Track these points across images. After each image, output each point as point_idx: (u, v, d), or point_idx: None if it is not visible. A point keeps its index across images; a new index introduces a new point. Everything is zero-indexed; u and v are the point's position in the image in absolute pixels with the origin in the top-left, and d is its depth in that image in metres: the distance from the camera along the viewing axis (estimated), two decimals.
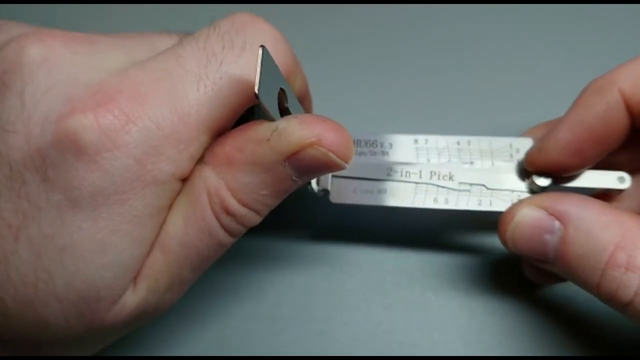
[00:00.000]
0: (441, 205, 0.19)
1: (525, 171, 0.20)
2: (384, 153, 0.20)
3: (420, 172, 0.20)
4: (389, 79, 0.27)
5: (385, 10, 0.29)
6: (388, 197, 0.20)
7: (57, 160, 0.14)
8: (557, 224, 0.17)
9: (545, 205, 0.17)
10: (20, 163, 0.14)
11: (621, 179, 0.19)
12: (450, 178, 0.20)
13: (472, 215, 0.24)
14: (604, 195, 0.20)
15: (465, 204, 0.19)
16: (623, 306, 0.16)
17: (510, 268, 0.23)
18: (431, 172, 0.20)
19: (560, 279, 0.22)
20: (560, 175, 0.19)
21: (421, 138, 0.20)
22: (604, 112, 0.17)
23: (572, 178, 0.19)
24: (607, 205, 0.17)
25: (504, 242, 0.19)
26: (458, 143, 0.20)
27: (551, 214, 0.17)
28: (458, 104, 0.26)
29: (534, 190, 0.19)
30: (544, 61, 0.27)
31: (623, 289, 0.16)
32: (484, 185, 0.20)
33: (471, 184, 0.20)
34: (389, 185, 0.20)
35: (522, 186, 0.20)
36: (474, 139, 0.20)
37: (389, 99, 0.27)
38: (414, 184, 0.20)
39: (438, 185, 0.20)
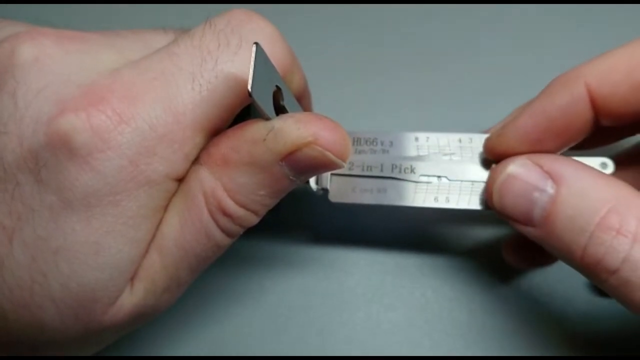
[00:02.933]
0: (442, 204, 0.19)
1: (485, 161, 0.19)
2: (384, 151, 0.20)
3: (382, 165, 0.19)
4: (390, 76, 0.27)
5: (386, 10, 0.29)
6: (388, 196, 0.19)
7: (49, 162, 0.14)
8: (550, 182, 0.16)
9: (541, 162, 0.16)
10: (14, 165, 0.14)
11: (604, 165, 0.19)
12: (412, 171, 0.19)
13: (473, 215, 0.24)
14: None
15: (467, 203, 0.19)
16: (608, 274, 0.15)
17: (510, 269, 0.23)
18: (392, 165, 0.19)
19: (538, 263, 0.22)
20: None
21: (422, 136, 0.20)
22: (568, 103, 0.17)
23: None
24: (602, 172, 0.16)
25: (489, 196, 0.18)
26: (460, 140, 0.20)
27: (546, 172, 0.16)
28: (459, 102, 0.26)
29: None
30: (544, 61, 0.27)
31: (611, 253, 0.15)
32: (446, 177, 0.19)
33: (433, 176, 0.19)
34: (389, 184, 0.19)
35: (485, 177, 0.19)
36: (475, 136, 0.20)
37: (389, 97, 0.27)
38: (414, 183, 0.19)
39: (399, 179, 0.19)
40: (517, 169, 0.17)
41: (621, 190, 0.15)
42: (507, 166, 0.17)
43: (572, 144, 0.18)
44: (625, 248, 0.14)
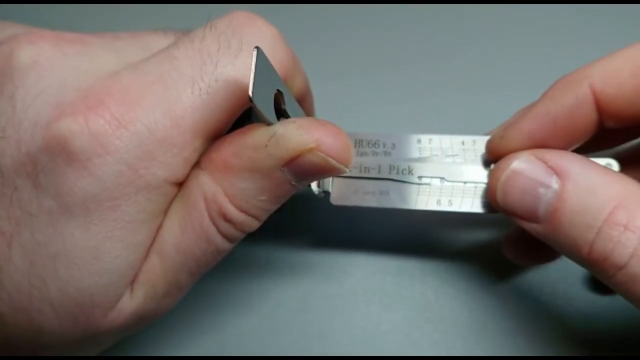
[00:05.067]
0: (444, 207, 0.19)
1: (486, 162, 0.19)
2: (386, 153, 0.20)
3: (380, 166, 0.19)
4: (391, 77, 0.27)
5: (386, 9, 0.29)
6: (390, 198, 0.19)
7: (47, 166, 0.13)
8: (555, 178, 0.16)
9: (546, 157, 0.16)
10: (12, 169, 0.14)
11: (608, 165, 0.18)
12: (410, 172, 0.19)
13: (474, 216, 0.23)
14: None
15: (470, 206, 0.19)
16: (616, 270, 0.15)
17: (510, 268, 0.23)
18: (390, 166, 0.19)
19: (538, 259, 0.22)
20: None
21: (424, 138, 0.20)
22: (572, 105, 0.16)
23: None
24: (608, 168, 0.16)
25: (492, 193, 0.17)
26: (463, 143, 0.20)
27: (550, 167, 0.16)
28: (461, 103, 0.26)
29: None
30: (548, 61, 0.26)
31: (620, 249, 0.14)
32: (443, 178, 0.19)
33: (431, 177, 0.19)
34: (391, 186, 0.19)
35: (482, 178, 0.19)
36: (479, 138, 0.19)
37: (391, 98, 0.27)
38: (417, 186, 0.19)
39: (397, 180, 0.19)
40: (521, 164, 0.16)
41: (628, 186, 0.15)
42: (510, 162, 0.17)
43: (576, 146, 0.18)
44: (633, 244, 0.14)
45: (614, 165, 0.19)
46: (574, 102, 0.16)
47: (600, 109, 0.17)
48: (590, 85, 0.16)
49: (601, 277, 0.15)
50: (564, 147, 0.17)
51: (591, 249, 0.15)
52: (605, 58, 0.17)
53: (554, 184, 0.16)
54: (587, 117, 0.17)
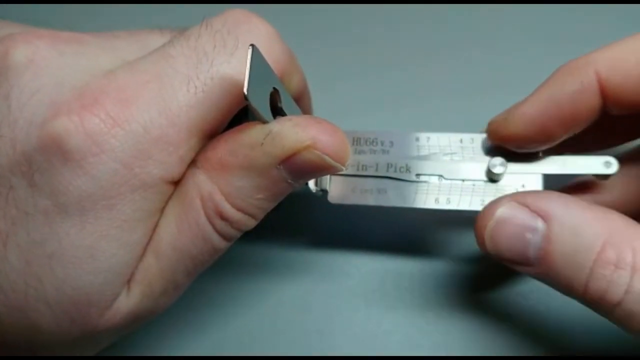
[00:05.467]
0: (443, 205, 0.19)
1: (487, 149, 0.19)
2: (384, 151, 0.20)
3: (377, 164, 0.19)
4: (389, 75, 0.27)
5: (387, 9, 0.29)
6: (388, 197, 0.19)
7: (43, 166, 0.13)
8: (540, 221, 0.16)
9: (528, 202, 0.16)
10: (7, 168, 0.14)
11: (607, 164, 0.18)
12: (407, 170, 0.19)
13: (474, 216, 0.23)
14: (584, 185, 0.20)
15: (468, 204, 0.19)
16: (612, 307, 0.15)
17: (510, 268, 0.22)
18: (388, 164, 0.19)
19: None
20: (520, 150, 0.18)
21: (423, 136, 0.20)
22: (577, 91, 0.17)
23: (529, 157, 0.18)
24: (588, 203, 0.16)
25: (481, 242, 0.17)
26: (461, 141, 0.19)
27: (533, 211, 0.16)
28: (461, 104, 0.26)
29: (493, 179, 0.19)
30: (545, 60, 0.26)
31: (613, 287, 0.15)
32: (441, 176, 0.19)
33: (428, 175, 0.19)
34: (389, 184, 0.19)
35: (480, 175, 0.19)
36: (477, 136, 0.19)
37: (389, 95, 0.26)
38: (415, 184, 0.19)
39: (395, 178, 0.19)
40: (505, 211, 0.16)
41: (613, 222, 0.15)
42: (494, 211, 0.17)
43: (577, 131, 0.18)
44: (625, 280, 0.14)
45: (614, 163, 0.18)
46: (579, 88, 0.16)
47: (605, 95, 0.17)
48: (595, 71, 0.16)
49: (601, 314, 0.16)
50: (564, 132, 0.17)
51: (586, 289, 0.15)
52: (612, 45, 0.17)
53: (540, 227, 0.16)
54: (591, 102, 0.17)
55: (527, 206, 0.16)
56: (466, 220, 0.23)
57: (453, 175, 0.19)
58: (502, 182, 0.19)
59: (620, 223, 0.15)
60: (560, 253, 0.15)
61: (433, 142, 0.20)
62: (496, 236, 0.17)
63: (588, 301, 0.15)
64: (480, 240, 0.17)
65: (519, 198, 0.16)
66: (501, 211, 0.16)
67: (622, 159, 0.19)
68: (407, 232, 0.24)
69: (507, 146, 0.18)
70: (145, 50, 0.16)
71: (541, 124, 0.17)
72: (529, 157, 0.19)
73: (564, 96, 0.17)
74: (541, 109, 0.17)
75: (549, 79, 0.17)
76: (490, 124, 0.18)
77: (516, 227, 0.16)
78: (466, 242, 0.23)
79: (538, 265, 0.16)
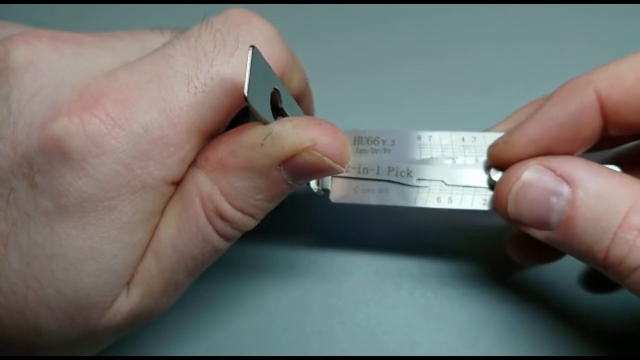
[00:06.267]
0: (444, 205, 0.19)
1: (487, 167, 0.19)
2: (385, 150, 0.19)
3: (379, 167, 0.19)
4: (392, 78, 0.27)
5: (387, 9, 0.29)
6: (390, 196, 0.19)
7: (44, 167, 0.13)
8: (565, 186, 0.16)
9: (554, 165, 0.16)
10: (8, 169, 0.14)
11: None
12: (409, 174, 0.19)
13: (474, 216, 0.23)
14: None
15: (470, 204, 0.19)
16: (630, 272, 0.15)
17: (510, 268, 0.23)
18: (389, 167, 0.19)
19: (542, 259, 0.22)
20: None
21: (424, 134, 0.19)
22: (577, 110, 0.16)
23: None
24: (613, 170, 0.16)
25: (503, 205, 0.17)
26: (463, 139, 0.19)
27: (559, 176, 0.16)
28: (462, 103, 0.26)
29: (494, 186, 0.18)
30: (546, 60, 0.26)
31: (635, 252, 0.15)
32: (442, 181, 0.19)
33: (430, 180, 0.19)
34: (391, 184, 0.19)
35: (482, 182, 0.19)
36: (479, 135, 0.19)
37: (392, 98, 0.26)
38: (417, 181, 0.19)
39: (395, 182, 0.19)
40: (531, 175, 0.16)
41: (636, 188, 0.15)
42: (520, 173, 0.17)
43: (580, 152, 0.17)
44: None
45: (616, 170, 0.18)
46: (579, 107, 0.16)
47: (605, 114, 0.16)
48: (596, 91, 0.16)
49: (615, 278, 0.16)
50: (568, 153, 0.17)
51: (607, 253, 0.15)
52: (611, 63, 0.17)
53: (565, 192, 0.16)
54: (592, 122, 0.17)
55: (553, 170, 0.16)
56: (467, 221, 0.23)
57: (454, 181, 0.19)
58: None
59: None
60: (584, 218, 0.15)
61: (435, 140, 0.19)
62: (520, 198, 0.17)
63: (607, 266, 0.15)
64: (502, 203, 0.17)
65: (545, 162, 0.16)
66: (527, 174, 0.16)
67: (624, 159, 0.19)
68: (407, 233, 0.23)
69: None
70: (145, 50, 0.16)
71: (543, 146, 0.17)
72: None
73: (565, 116, 0.17)
74: (542, 130, 0.17)
75: (549, 99, 0.17)
76: (491, 148, 0.18)
77: (541, 191, 0.16)
78: (467, 243, 0.23)
79: (558, 230, 0.16)
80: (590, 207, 0.15)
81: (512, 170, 0.17)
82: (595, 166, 0.16)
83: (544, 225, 0.16)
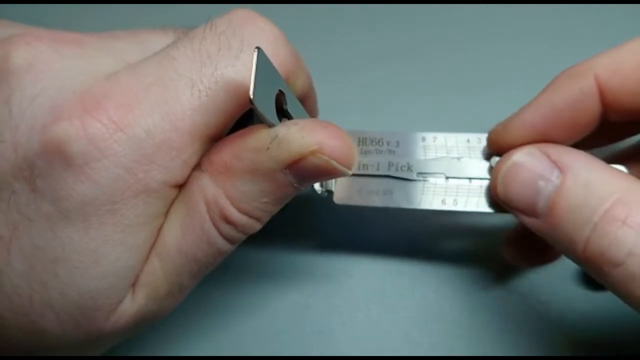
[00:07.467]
0: (450, 207, 0.18)
1: (487, 155, 0.19)
2: (390, 152, 0.19)
3: (378, 164, 0.19)
4: (394, 77, 0.27)
5: (389, 9, 0.29)
6: (394, 198, 0.19)
7: (45, 171, 0.13)
8: (556, 172, 0.15)
9: (550, 151, 0.16)
10: (9, 173, 0.13)
11: None
12: (409, 169, 0.19)
13: (474, 216, 0.23)
14: None
15: (475, 206, 0.18)
16: (611, 268, 0.14)
17: (510, 269, 0.23)
18: (389, 163, 0.19)
19: (537, 261, 0.22)
20: None
21: (429, 136, 0.19)
22: (576, 97, 0.16)
23: None
24: (615, 167, 0.16)
25: (494, 186, 0.17)
26: (468, 141, 0.19)
27: (553, 161, 0.16)
28: (465, 103, 0.26)
29: None
30: (547, 60, 0.26)
31: (616, 245, 0.14)
32: (443, 174, 0.19)
33: (430, 174, 0.19)
34: (395, 185, 0.19)
35: (482, 174, 0.18)
36: (484, 136, 0.19)
37: (394, 98, 0.26)
38: (422, 183, 0.19)
39: (395, 177, 0.19)
40: (523, 156, 0.16)
41: (629, 182, 0.15)
42: (512, 154, 0.17)
43: (578, 139, 0.17)
44: (631, 240, 0.13)
45: (624, 172, 0.18)
46: (579, 94, 0.16)
47: (605, 101, 0.16)
48: (595, 77, 0.16)
49: (596, 276, 0.15)
50: (566, 140, 0.17)
51: (586, 245, 0.14)
52: (611, 50, 0.16)
53: (555, 178, 0.15)
54: (591, 109, 0.16)
55: (548, 155, 0.16)
56: (467, 223, 0.23)
57: (455, 173, 0.19)
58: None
59: (637, 184, 0.15)
60: (568, 206, 0.15)
61: (440, 142, 0.19)
62: (508, 179, 0.16)
63: (586, 259, 0.15)
64: (493, 184, 0.17)
65: (542, 147, 0.16)
66: (518, 155, 0.16)
67: (623, 157, 0.19)
68: (408, 233, 0.23)
69: None
70: (147, 51, 0.15)
71: (541, 132, 0.17)
72: None
73: (563, 102, 0.16)
74: (541, 116, 0.17)
75: (548, 85, 0.17)
76: (489, 133, 0.18)
77: (530, 173, 0.16)
78: (467, 244, 0.23)
79: (544, 218, 0.15)
80: (577, 195, 0.15)
81: (509, 152, 0.17)
82: (594, 159, 0.16)
83: (531, 210, 0.16)
